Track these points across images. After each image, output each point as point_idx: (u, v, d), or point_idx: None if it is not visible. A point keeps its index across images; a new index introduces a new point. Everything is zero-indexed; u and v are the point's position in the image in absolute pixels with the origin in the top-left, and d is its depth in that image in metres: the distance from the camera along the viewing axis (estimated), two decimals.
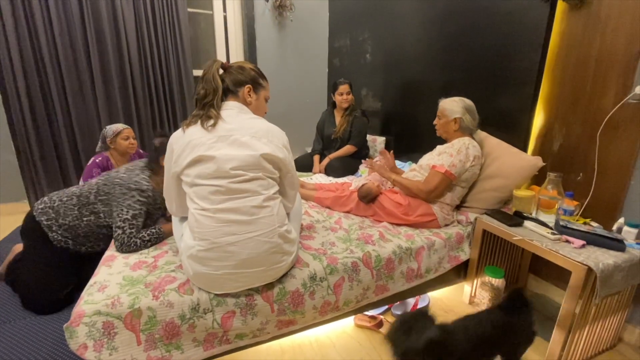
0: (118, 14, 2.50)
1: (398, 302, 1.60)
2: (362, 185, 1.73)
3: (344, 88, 2.53)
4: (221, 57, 3.15)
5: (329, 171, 2.47)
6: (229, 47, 3.15)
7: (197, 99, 1.15)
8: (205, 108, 1.12)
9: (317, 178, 2.41)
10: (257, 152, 1.07)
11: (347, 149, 2.56)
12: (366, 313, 1.51)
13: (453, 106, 1.67)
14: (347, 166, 2.47)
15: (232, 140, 1.07)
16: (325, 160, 2.54)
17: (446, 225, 1.65)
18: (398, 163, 2.21)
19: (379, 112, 2.78)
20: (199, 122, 1.10)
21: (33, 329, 1.37)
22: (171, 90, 2.82)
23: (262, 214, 1.07)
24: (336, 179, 2.38)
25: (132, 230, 1.33)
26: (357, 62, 2.95)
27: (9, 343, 1.29)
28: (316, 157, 2.68)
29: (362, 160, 2.14)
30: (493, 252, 1.66)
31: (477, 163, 1.61)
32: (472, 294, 1.66)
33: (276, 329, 1.21)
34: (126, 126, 2.13)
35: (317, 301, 1.25)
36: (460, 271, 1.68)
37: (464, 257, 1.62)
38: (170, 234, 1.41)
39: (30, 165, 2.51)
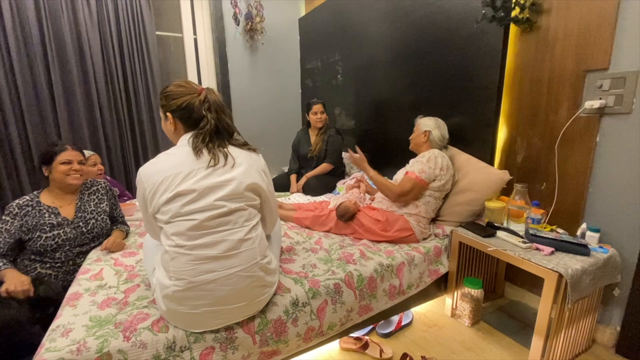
0: (83, 37, 2.43)
1: (382, 321, 1.58)
2: (340, 204, 1.74)
3: (317, 108, 2.58)
4: (192, 79, 3.12)
5: (306, 190, 2.47)
6: (200, 70, 3.14)
7: (208, 130, 1.04)
8: (213, 141, 1.03)
9: (295, 198, 2.40)
10: (241, 181, 1.02)
11: (324, 167, 2.58)
12: (351, 335, 1.48)
13: (426, 122, 1.80)
14: (324, 184, 2.48)
15: (216, 171, 1.00)
16: (303, 180, 2.54)
17: (424, 239, 1.68)
18: None
19: (352, 130, 2.84)
20: (193, 153, 1.00)
21: None
22: (140, 115, 2.74)
23: (243, 247, 1.01)
24: (314, 197, 2.38)
25: None
26: (328, 82, 3.02)
27: None
28: (293, 177, 2.67)
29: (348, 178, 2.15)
30: (470, 263, 1.70)
31: (447, 173, 1.67)
32: (454, 306, 1.68)
33: None
34: (92, 152, 2.04)
35: (301, 328, 1.21)
36: (441, 284, 1.70)
37: (443, 270, 1.64)
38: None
39: None
